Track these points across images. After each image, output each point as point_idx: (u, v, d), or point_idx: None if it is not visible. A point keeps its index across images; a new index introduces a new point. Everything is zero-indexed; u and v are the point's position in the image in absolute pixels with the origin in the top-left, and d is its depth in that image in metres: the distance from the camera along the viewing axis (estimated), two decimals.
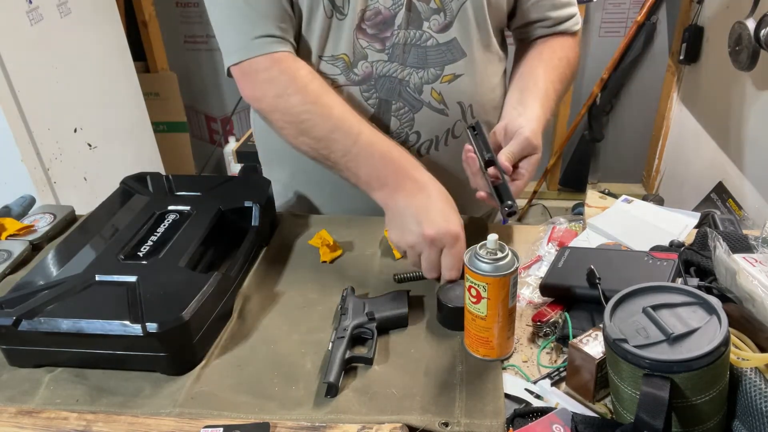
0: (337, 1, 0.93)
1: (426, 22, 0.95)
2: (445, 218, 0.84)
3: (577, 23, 1.07)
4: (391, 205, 0.88)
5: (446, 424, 0.67)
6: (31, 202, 1.16)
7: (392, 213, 0.88)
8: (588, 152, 2.94)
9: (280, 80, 0.92)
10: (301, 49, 0.99)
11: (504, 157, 0.87)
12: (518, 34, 1.10)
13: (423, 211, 0.85)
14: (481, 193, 0.88)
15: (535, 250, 0.98)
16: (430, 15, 0.95)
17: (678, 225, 0.97)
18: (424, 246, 0.84)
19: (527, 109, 0.94)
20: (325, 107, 0.91)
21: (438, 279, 0.87)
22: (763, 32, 1.77)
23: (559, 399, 0.71)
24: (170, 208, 0.98)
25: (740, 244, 0.82)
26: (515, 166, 0.89)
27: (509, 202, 0.84)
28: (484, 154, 0.87)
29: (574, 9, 1.07)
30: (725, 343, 0.58)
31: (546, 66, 1.02)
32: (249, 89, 0.95)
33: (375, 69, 0.98)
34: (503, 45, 1.08)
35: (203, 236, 0.91)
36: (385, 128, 1.00)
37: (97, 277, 0.81)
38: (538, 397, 0.72)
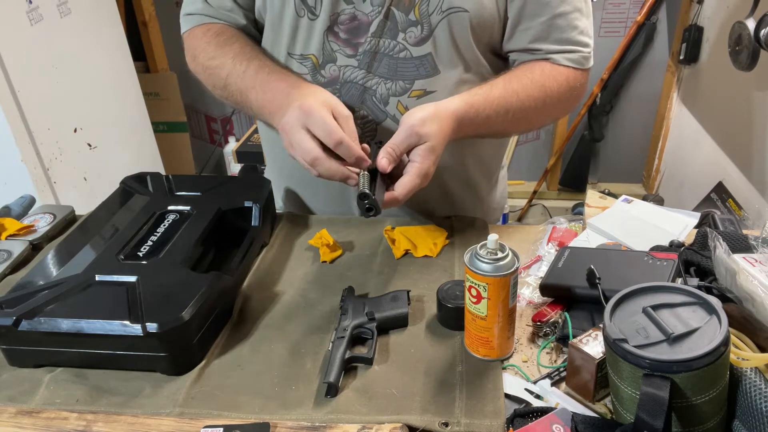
0: (309, 1, 0.93)
1: (402, 33, 0.93)
2: (297, 140, 0.84)
3: (570, 60, 0.97)
4: (278, 129, 0.90)
5: (446, 424, 0.67)
6: (31, 202, 1.16)
7: (281, 135, 0.89)
8: (588, 152, 2.94)
9: (198, 43, 1.01)
10: (273, 44, 1.00)
11: (383, 154, 0.85)
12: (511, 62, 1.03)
13: (286, 132, 0.86)
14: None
15: (535, 250, 0.98)
16: (407, 26, 0.92)
17: (678, 225, 0.97)
18: (309, 167, 0.85)
19: (440, 102, 0.88)
20: (220, 57, 0.98)
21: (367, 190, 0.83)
22: (763, 32, 1.76)
23: (559, 399, 0.71)
24: (170, 208, 0.98)
25: (740, 244, 0.82)
26: (409, 159, 0.86)
27: (364, 191, 0.81)
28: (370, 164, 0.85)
29: (572, 47, 0.97)
30: (725, 343, 0.58)
31: (509, 77, 0.94)
32: (185, 54, 1.06)
33: (342, 73, 0.97)
34: (503, 69, 1.01)
35: (203, 236, 0.91)
36: None
37: (97, 277, 0.81)
38: (538, 397, 0.72)
